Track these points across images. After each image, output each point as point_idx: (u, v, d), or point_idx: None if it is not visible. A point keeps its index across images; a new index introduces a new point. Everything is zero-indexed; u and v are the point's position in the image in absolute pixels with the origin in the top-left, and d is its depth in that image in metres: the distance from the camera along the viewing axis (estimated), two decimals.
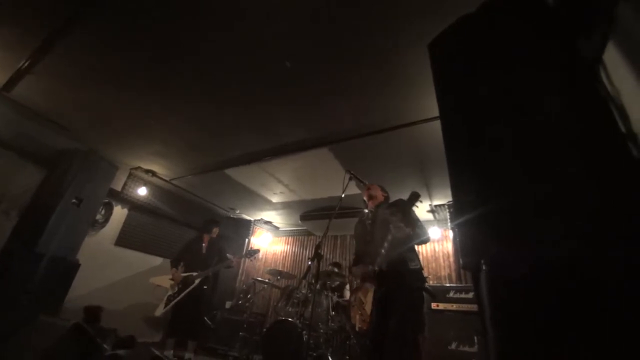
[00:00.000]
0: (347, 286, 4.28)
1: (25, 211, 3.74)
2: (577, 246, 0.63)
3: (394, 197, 2.54)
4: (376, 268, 2.07)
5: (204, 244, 3.99)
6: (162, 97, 2.95)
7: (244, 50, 2.29)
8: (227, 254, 4.08)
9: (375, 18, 1.93)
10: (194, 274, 3.65)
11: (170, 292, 3.63)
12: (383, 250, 2.05)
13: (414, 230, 2.11)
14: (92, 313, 3.98)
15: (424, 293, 2.14)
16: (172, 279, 3.66)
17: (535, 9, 0.85)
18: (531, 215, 0.71)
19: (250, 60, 2.38)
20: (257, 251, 4.47)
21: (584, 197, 0.66)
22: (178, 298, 3.53)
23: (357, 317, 2.22)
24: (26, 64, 2.65)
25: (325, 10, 1.92)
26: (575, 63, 0.78)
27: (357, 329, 2.27)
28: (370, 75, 2.39)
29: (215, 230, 4.13)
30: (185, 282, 3.61)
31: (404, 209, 2.10)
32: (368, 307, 2.11)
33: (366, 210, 2.56)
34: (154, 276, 4.11)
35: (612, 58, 0.86)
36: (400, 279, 2.06)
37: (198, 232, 4.25)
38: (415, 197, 2.10)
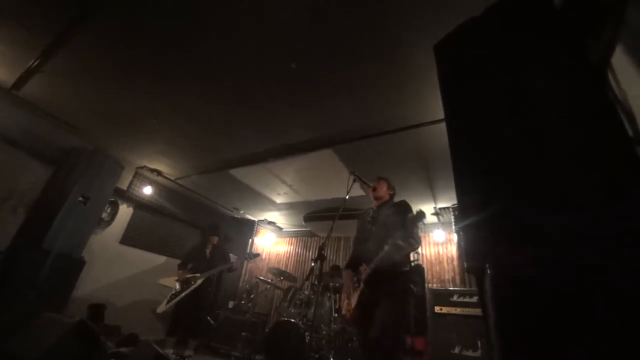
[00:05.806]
0: None
1: (33, 208, 3.78)
2: (583, 250, 0.62)
3: (397, 199, 2.52)
4: (368, 271, 2.06)
5: (207, 249, 4.01)
6: (168, 96, 2.97)
7: (250, 50, 2.30)
8: (230, 254, 4.08)
9: (382, 19, 1.93)
10: (198, 274, 3.68)
11: (173, 291, 3.67)
12: (378, 258, 2.03)
13: (412, 244, 2.09)
14: (96, 310, 4.03)
15: (416, 295, 2.12)
16: (177, 280, 3.71)
17: (542, 12, 0.85)
18: (537, 219, 0.70)
19: (256, 61, 2.39)
20: (258, 255, 4.59)
21: (591, 201, 0.66)
22: (180, 297, 3.57)
23: (345, 303, 2.24)
24: (35, 63, 2.69)
25: (333, 10, 1.92)
26: (583, 66, 0.78)
27: (343, 312, 2.30)
28: (376, 77, 2.39)
29: (214, 239, 4.11)
30: (188, 282, 3.65)
31: (410, 227, 2.07)
32: (353, 301, 2.12)
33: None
34: (158, 275, 4.15)
35: (620, 61, 0.85)
36: (388, 281, 2.05)
37: (203, 236, 4.27)
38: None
